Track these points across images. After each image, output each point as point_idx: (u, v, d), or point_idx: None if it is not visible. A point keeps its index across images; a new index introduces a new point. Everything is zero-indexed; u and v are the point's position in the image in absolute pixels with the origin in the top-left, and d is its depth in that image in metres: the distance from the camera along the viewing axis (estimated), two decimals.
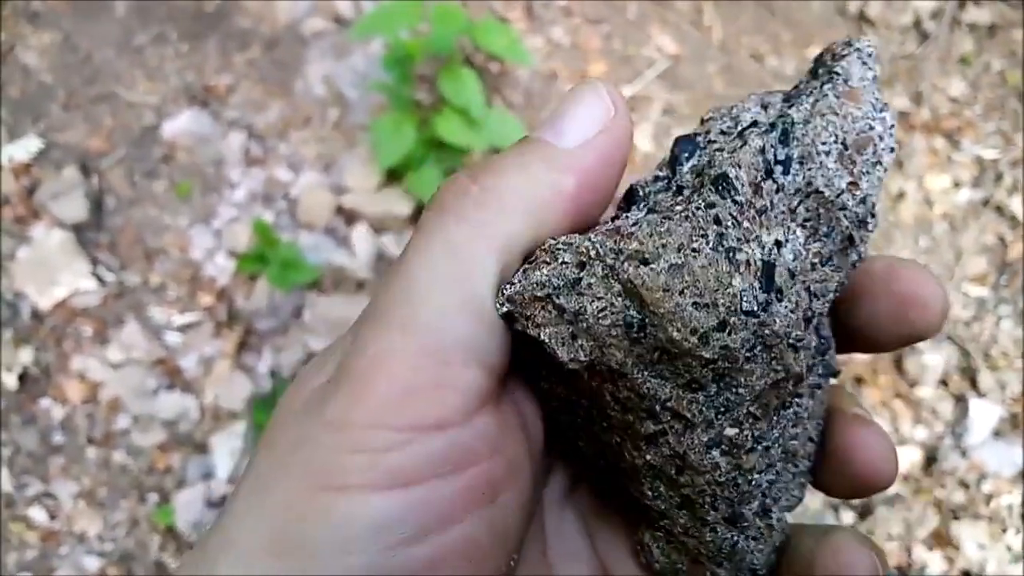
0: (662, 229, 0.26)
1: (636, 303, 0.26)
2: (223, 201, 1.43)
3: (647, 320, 0.25)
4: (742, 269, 0.25)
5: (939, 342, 1.34)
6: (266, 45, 1.56)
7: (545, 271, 0.27)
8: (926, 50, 1.59)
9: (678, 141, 0.30)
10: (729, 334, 0.25)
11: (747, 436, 0.27)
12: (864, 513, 1.21)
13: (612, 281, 0.26)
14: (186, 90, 1.52)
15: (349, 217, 1.41)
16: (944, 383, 1.32)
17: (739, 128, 0.29)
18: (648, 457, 0.28)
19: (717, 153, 0.28)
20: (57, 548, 1.19)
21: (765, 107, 0.30)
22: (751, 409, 0.27)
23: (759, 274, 0.25)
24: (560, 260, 0.27)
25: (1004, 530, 1.20)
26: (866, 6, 1.62)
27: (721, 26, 1.60)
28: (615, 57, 1.57)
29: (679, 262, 0.25)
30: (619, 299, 0.26)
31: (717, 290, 0.25)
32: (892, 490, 1.22)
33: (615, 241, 0.26)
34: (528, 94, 1.52)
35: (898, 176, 1.47)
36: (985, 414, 1.26)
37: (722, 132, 0.29)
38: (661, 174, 0.30)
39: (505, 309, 0.27)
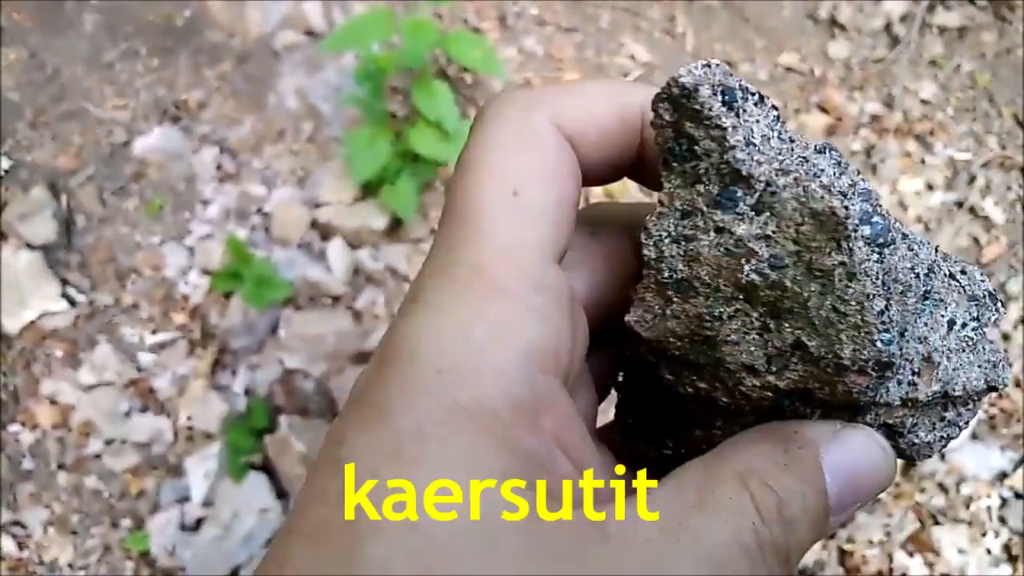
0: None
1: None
2: (196, 218, 1.42)
3: None
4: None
5: None
6: (238, 59, 1.55)
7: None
8: (897, 54, 1.60)
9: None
10: None
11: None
12: (844, 520, 1.21)
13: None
14: (157, 106, 1.50)
15: (324, 232, 1.39)
16: None
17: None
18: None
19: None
20: None
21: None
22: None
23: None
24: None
25: (984, 533, 1.20)
26: (836, 11, 1.62)
27: (694, 33, 1.60)
28: (588, 66, 1.56)
29: None
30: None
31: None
32: None
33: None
34: None
35: (871, 180, 1.48)
36: None
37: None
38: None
39: None
